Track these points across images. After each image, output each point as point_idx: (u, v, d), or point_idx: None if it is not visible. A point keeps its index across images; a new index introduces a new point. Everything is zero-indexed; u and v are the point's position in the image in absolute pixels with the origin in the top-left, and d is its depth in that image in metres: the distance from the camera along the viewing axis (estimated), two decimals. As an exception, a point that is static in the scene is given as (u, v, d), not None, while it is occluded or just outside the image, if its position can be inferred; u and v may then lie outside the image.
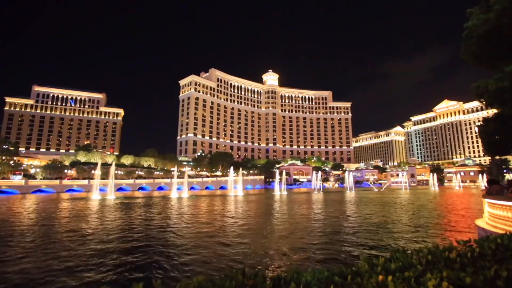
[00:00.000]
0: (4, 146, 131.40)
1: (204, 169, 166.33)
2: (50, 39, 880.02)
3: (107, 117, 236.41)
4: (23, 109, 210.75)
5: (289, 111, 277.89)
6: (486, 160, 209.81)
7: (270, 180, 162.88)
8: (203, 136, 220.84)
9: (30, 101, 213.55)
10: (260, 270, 12.80)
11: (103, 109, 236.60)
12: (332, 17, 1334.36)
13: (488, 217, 15.80)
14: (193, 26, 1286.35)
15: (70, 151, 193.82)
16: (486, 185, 18.53)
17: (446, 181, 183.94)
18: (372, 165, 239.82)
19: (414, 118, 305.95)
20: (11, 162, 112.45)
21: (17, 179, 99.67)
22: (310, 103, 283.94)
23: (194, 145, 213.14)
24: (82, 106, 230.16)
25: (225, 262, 14.20)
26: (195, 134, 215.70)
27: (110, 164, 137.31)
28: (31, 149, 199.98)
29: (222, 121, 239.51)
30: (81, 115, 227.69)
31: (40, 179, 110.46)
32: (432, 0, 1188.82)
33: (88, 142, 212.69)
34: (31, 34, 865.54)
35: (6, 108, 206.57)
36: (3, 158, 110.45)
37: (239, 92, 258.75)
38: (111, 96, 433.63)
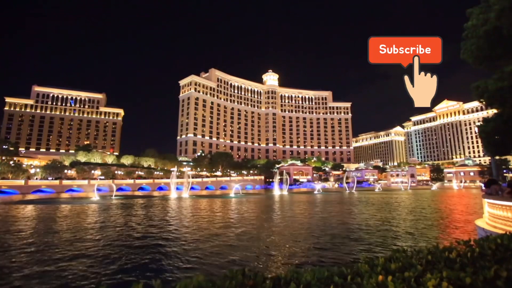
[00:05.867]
0: (4, 146, 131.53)
1: (204, 169, 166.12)
2: (49, 39, 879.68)
3: (107, 117, 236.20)
4: (23, 109, 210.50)
5: (289, 111, 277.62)
6: (486, 160, 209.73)
7: (270, 180, 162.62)
8: (203, 136, 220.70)
9: (30, 101, 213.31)
10: (260, 270, 12.79)
11: (103, 109, 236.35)
12: (333, 16, 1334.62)
13: (488, 217, 15.80)
14: (193, 26, 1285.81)
15: (70, 151, 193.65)
16: (485, 185, 18.50)
17: (446, 181, 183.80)
18: (372, 165, 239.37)
19: (414, 118, 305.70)
20: (11, 162, 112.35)
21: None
22: (310, 103, 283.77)
23: (194, 145, 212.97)
24: (82, 106, 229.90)
25: (220, 264, 14.18)
26: (195, 134, 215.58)
27: (110, 164, 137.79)
28: (31, 149, 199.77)
29: (222, 121, 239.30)
30: (81, 115, 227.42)
31: (40, 179, 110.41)
32: (432, 0, 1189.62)
33: (88, 142, 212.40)
34: (30, 34, 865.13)
35: (6, 108, 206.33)
36: (3, 158, 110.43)
37: (239, 92, 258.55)
38: (111, 96, 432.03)
